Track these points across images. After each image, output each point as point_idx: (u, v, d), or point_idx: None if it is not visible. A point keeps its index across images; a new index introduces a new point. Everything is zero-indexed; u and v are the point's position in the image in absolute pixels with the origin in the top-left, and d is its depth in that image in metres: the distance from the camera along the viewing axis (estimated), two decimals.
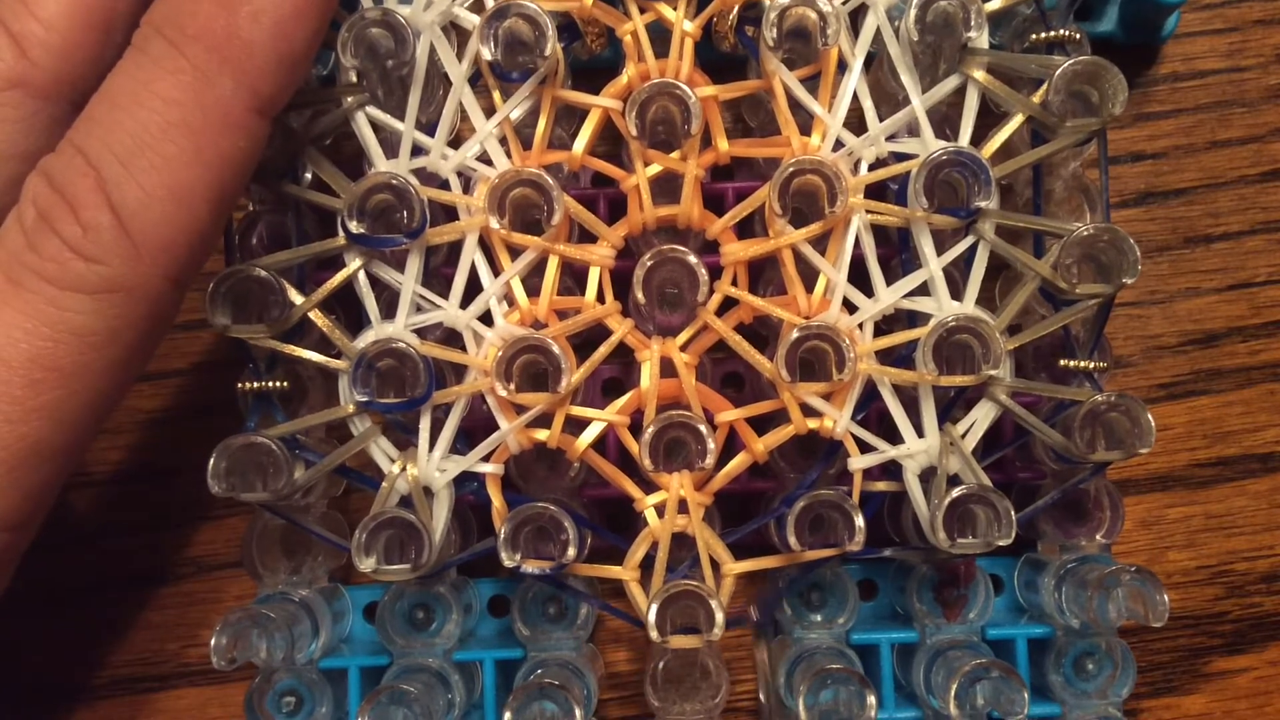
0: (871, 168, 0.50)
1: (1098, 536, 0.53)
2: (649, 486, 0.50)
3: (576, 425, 0.50)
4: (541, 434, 0.50)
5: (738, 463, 0.50)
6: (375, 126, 0.50)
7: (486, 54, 0.48)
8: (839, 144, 0.50)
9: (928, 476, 0.50)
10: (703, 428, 0.49)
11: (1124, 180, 0.59)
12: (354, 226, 0.48)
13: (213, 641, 0.49)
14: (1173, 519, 0.58)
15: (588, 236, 0.51)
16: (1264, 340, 0.59)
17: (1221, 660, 0.58)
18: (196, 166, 0.43)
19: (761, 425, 0.51)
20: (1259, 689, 0.58)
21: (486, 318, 0.50)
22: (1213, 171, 0.60)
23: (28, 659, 0.58)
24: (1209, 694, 0.58)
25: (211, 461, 0.48)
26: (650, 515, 0.50)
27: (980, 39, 0.49)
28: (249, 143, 0.45)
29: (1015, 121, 0.50)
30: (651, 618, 0.48)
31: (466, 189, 0.50)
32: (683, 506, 0.49)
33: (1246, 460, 0.59)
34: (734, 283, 0.50)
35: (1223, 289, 0.59)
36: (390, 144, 0.50)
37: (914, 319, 0.51)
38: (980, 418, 0.50)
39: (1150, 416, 0.49)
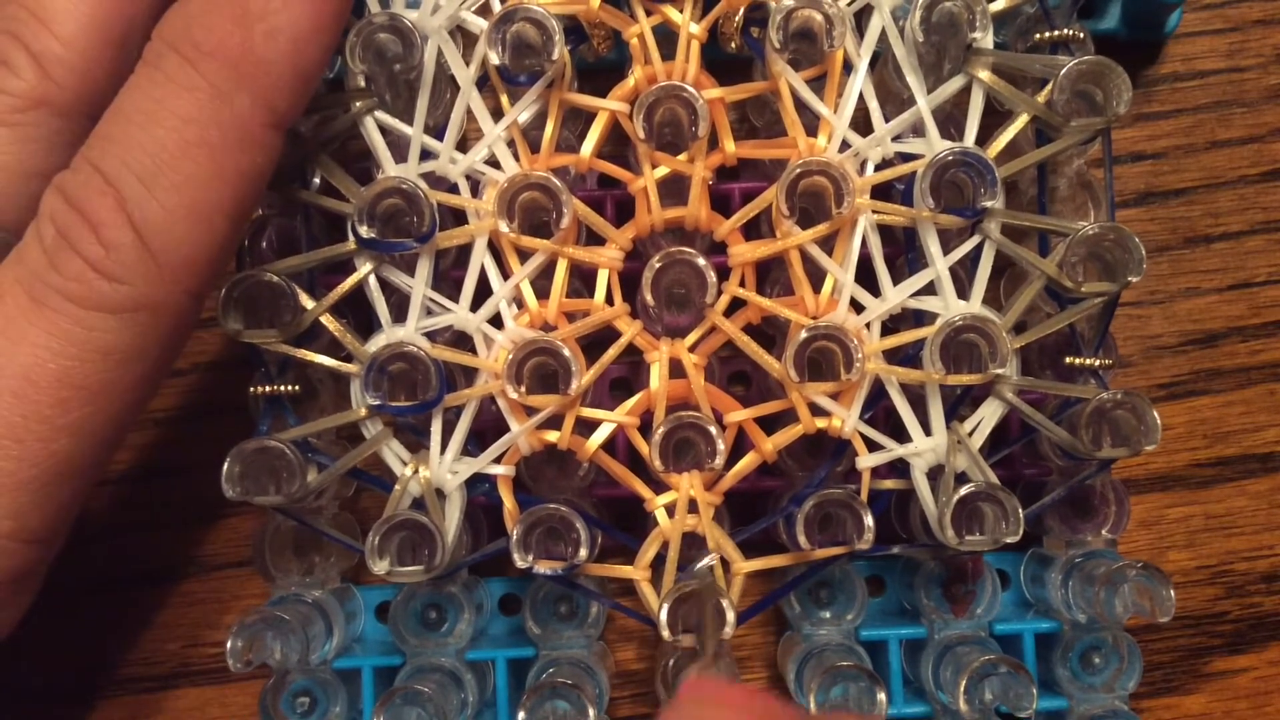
0: (877, 168, 0.50)
1: (1103, 532, 0.53)
2: (659, 486, 0.50)
3: (586, 426, 0.50)
4: (552, 435, 0.50)
5: (747, 462, 0.50)
6: (383, 130, 0.50)
7: (494, 58, 0.48)
8: (845, 145, 0.50)
9: (935, 474, 0.50)
10: (712, 428, 0.49)
11: (1124, 180, 0.59)
12: (364, 231, 0.48)
13: (229, 644, 0.49)
14: (1173, 519, 0.59)
15: (596, 238, 0.51)
16: (1264, 340, 0.59)
17: (1221, 660, 0.58)
18: (216, 184, 0.44)
19: (770, 425, 0.51)
20: (1259, 689, 0.58)
21: (496, 320, 0.50)
22: (1213, 171, 0.60)
23: (29, 659, 0.58)
24: (1209, 694, 0.58)
25: (225, 466, 0.49)
26: (660, 515, 0.50)
27: (985, 39, 0.49)
28: (265, 158, 0.45)
29: (1020, 121, 0.50)
30: (663, 616, 0.48)
31: (475, 192, 0.51)
32: (693, 506, 0.50)
33: (1246, 460, 0.59)
34: (741, 284, 0.50)
35: (1223, 289, 0.59)
36: (399, 148, 0.50)
37: (921, 318, 0.51)
38: (987, 416, 0.50)
39: (1155, 414, 0.49)
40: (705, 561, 0.49)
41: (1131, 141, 0.59)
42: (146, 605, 0.58)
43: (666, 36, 0.50)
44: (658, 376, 0.50)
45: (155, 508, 0.59)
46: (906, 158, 0.50)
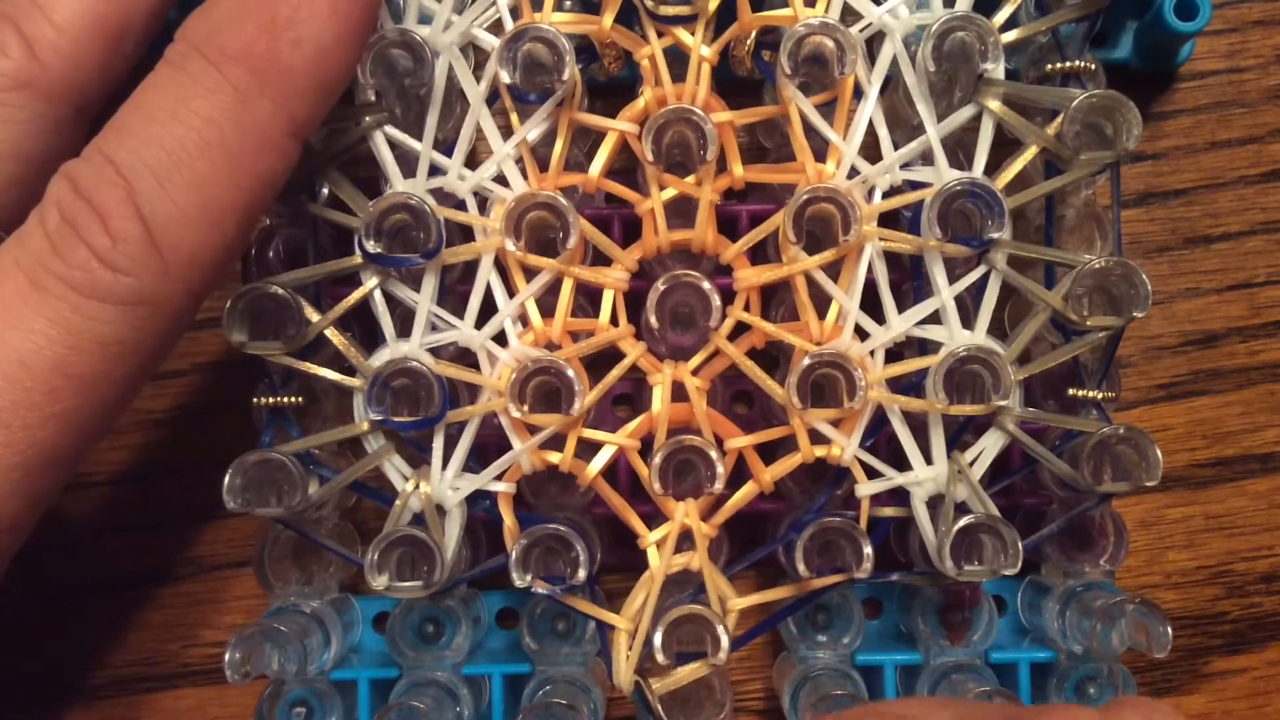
0: (885, 195, 0.50)
1: (1101, 563, 0.53)
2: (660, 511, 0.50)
3: (589, 445, 0.50)
4: (554, 456, 0.50)
5: (744, 493, 0.50)
6: (392, 145, 0.50)
7: (505, 76, 0.48)
8: (854, 171, 0.50)
9: (936, 503, 0.50)
10: (712, 453, 0.49)
11: (1124, 181, 0.58)
12: (371, 246, 0.48)
13: (226, 656, 0.49)
14: (1173, 519, 0.59)
15: (603, 257, 0.51)
16: (1264, 340, 0.59)
17: (1221, 660, 0.58)
18: (230, 186, 0.44)
19: (772, 447, 0.51)
20: (1258, 689, 0.58)
21: (501, 338, 0.50)
22: (1213, 172, 0.60)
23: (28, 659, 0.58)
24: (1208, 694, 0.58)
25: (227, 478, 0.49)
26: (652, 554, 0.50)
27: (997, 70, 0.49)
28: (281, 165, 0.45)
29: (1029, 153, 0.50)
30: (657, 642, 0.48)
31: (483, 209, 0.50)
32: (691, 537, 0.50)
33: (1246, 460, 0.59)
34: (747, 307, 0.50)
35: (1222, 289, 0.60)
36: (408, 162, 0.50)
37: (925, 346, 0.51)
38: (989, 446, 0.50)
39: (1158, 450, 0.49)
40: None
41: None
42: (146, 605, 0.58)
43: (679, 57, 0.50)
44: (659, 400, 0.50)
45: (154, 508, 0.59)
46: (915, 185, 0.50)
